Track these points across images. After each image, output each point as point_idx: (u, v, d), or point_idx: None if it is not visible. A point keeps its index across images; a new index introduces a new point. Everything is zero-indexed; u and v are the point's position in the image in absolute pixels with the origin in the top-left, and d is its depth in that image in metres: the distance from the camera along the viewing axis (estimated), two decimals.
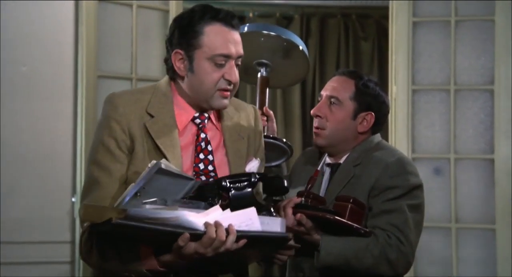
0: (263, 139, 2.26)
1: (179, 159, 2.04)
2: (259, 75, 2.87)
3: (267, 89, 2.86)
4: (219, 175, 2.08)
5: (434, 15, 4.43)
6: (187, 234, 1.80)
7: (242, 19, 6.32)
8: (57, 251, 4.12)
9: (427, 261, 4.36)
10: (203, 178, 2.06)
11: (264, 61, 2.87)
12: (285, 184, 2.07)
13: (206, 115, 2.12)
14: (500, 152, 4.29)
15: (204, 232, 1.81)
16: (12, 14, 4.09)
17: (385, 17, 4.93)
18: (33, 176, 4.08)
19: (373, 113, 2.55)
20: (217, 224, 1.82)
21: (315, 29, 6.39)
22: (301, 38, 6.27)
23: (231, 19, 2.06)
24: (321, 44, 6.41)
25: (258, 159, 2.18)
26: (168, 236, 1.80)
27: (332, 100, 2.54)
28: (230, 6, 6.21)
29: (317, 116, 2.57)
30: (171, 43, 2.09)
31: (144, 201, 1.86)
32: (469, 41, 4.39)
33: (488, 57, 4.36)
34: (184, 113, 2.10)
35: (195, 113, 2.11)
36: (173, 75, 2.11)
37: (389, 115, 4.40)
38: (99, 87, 4.22)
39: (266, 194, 2.17)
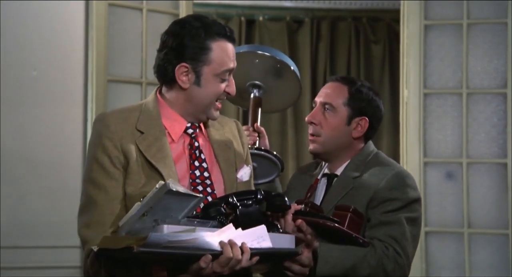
0: (248, 148, 2.33)
1: (173, 169, 2.09)
2: (251, 95, 2.92)
3: (259, 109, 2.91)
4: (214, 182, 2.15)
5: (446, 18, 4.41)
6: (209, 256, 1.85)
7: (252, 23, 6.31)
8: (66, 256, 4.12)
9: (440, 266, 4.33)
10: (200, 187, 2.12)
11: (257, 82, 2.91)
12: (287, 202, 2.14)
13: (197, 124, 2.19)
14: None
15: (221, 252, 1.87)
16: (22, 19, 4.10)
17: (396, 20, 4.91)
18: (42, 181, 4.09)
19: (367, 118, 2.56)
20: (231, 243, 1.88)
21: (325, 32, 6.37)
22: (311, 42, 6.35)
23: (232, 34, 2.15)
24: (332, 47, 6.39)
25: (250, 165, 2.27)
26: (186, 258, 1.84)
27: (326, 106, 2.57)
28: (240, 10, 6.22)
29: (311, 123, 2.59)
30: (175, 56, 2.12)
31: (154, 219, 1.91)
32: (481, 44, 4.37)
33: (500, 60, 4.33)
34: (177, 124, 2.16)
35: (187, 123, 2.17)
36: (168, 84, 2.16)
37: (401, 119, 4.47)
38: (109, 91, 4.22)
39: (268, 211, 2.22)
